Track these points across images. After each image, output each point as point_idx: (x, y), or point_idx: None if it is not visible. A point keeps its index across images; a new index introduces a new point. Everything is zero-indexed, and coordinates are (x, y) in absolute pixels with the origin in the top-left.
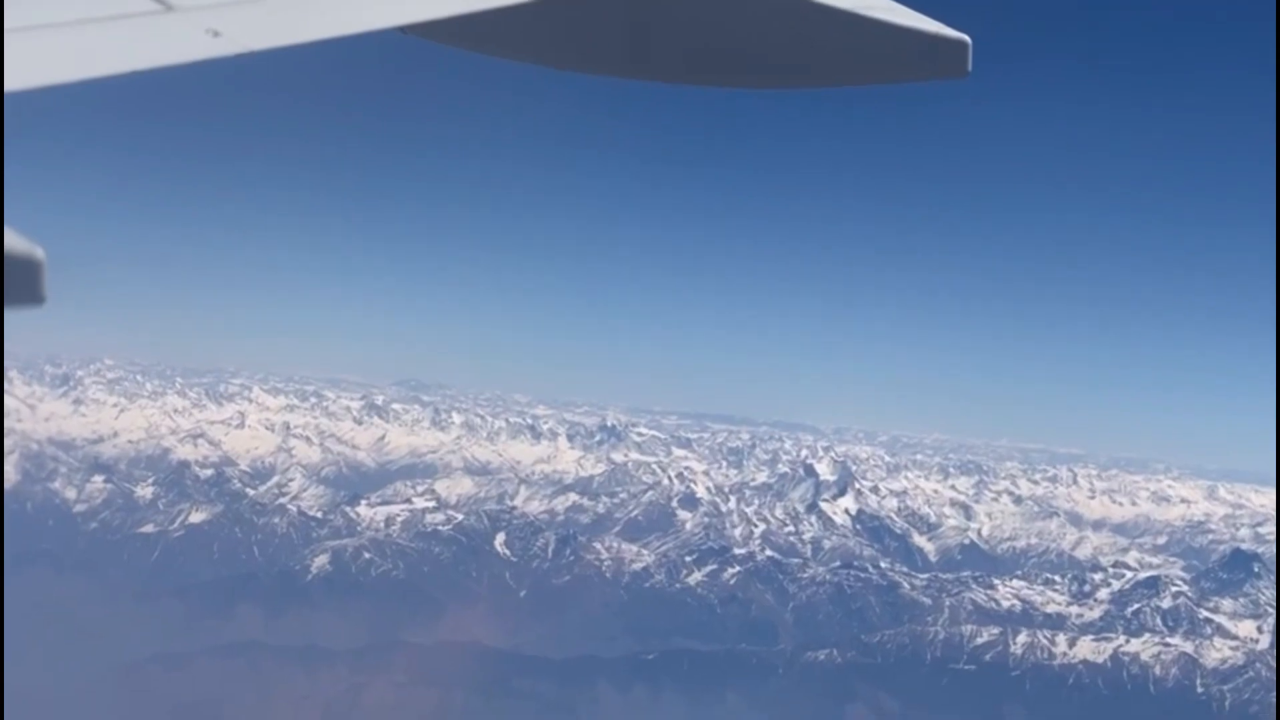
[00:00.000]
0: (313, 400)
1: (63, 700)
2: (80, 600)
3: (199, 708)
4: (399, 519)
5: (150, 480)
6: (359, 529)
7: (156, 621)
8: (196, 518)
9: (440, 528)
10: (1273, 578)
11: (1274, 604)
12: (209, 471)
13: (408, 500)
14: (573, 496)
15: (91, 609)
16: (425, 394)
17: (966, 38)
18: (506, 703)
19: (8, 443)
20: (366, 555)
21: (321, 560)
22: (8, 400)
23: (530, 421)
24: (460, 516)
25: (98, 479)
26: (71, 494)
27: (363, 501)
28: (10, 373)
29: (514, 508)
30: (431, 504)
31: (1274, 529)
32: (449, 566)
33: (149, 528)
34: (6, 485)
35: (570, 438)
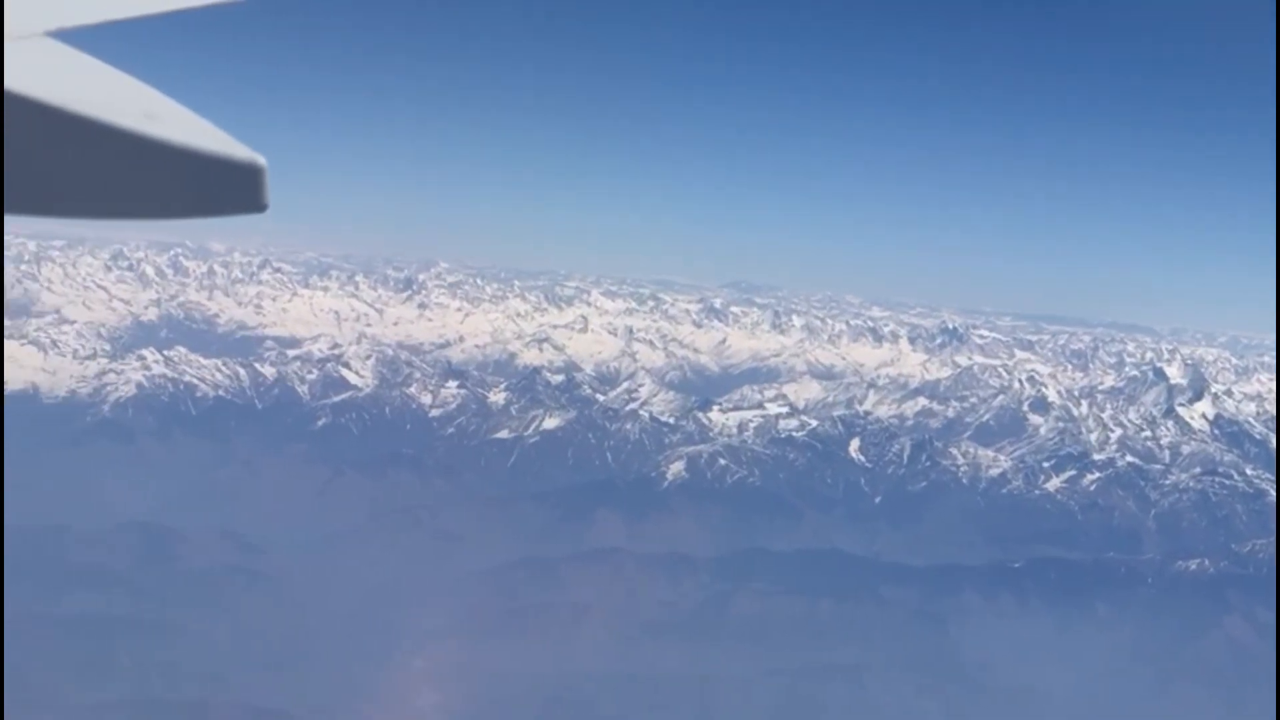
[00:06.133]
0: (650, 303)
1: (433, 600)
2: (443, 503)
3: (568, 612)
4: (751, 424)
5: (502, 386)
6: (711, 435)
7: (518, 526)
8: (550, 424)
9: (794, 433)
10: None
11: None
12: (559, 377)
13: (758, 405)
14: (921, 400)
15: (454, 512)
16: (758, 296)
17: (260, 159)
18: (874, 611)
19: (361, 347)
20: (721, 461)
21: (677, 467)
22: (356, 304)
23: (870, 324)
24: (813, 422)
25: (451, 384)
26: (427, 399)
27: (714, 407)
28: (355, 275)
29: (866, 412)
30: (784, 409)
31: None
32: (804, 473)
33: (504, 433)
34: (364, 390)
35: (912, 340)
